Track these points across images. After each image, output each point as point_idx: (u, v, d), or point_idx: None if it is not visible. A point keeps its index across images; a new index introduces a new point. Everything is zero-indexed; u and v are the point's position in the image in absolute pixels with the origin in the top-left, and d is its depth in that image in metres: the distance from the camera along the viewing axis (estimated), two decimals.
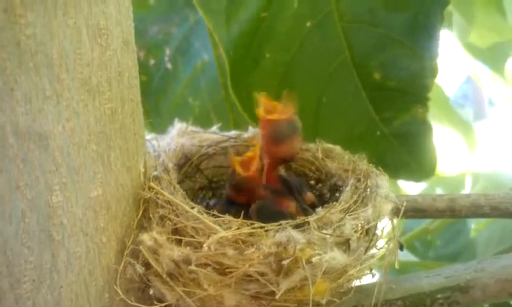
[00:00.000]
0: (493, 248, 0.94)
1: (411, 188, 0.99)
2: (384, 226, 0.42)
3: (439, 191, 1.10)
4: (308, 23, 0.55)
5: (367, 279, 0.44)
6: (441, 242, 0.98)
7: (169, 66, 0.73)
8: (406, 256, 0.89)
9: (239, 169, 0.45)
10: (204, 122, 0.59)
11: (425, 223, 0.86)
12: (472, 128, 1.14)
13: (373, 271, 0.42)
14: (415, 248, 0.96)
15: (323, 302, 0.38)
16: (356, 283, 0.42)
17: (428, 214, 0.50)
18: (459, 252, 0.95)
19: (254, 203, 0.44)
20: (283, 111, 0.44)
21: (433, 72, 0.54)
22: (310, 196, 0.46)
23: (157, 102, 0.73)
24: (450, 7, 0.56)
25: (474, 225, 1.02)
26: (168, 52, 0.72)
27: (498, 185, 1.07)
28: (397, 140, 0.58)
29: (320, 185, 0.51)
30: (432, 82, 0.54)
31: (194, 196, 0.54)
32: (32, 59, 0.33)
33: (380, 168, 0.45)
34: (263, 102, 0.44)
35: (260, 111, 0.44)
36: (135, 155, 0.41)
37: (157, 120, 0.71)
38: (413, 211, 0.49)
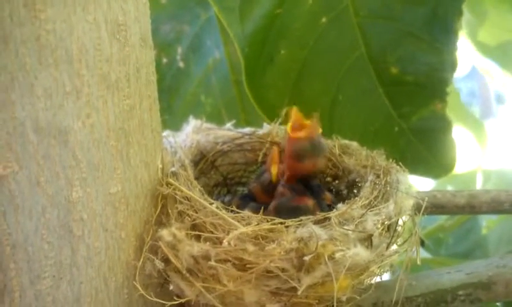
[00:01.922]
0: (504, 246, 0.93)
1: (422, 185, 0.98)
2: (405, 221, 0.41)
3: (450, 189, 1.10)
4: (324, 19, 0.55)
5: (386, 276, 0.43)
6: (452, 239, 0.97)
7: (181, 64, 0.73)
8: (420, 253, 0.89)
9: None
10: (215, 120, 0.59)
11: (438, 220, 0.85)
12: (482, 126, 1.13)
13: (393, 267, 0.42)
14: (427, 246, 0.95)
15: (344, 298, 0.38)
16: (376, 279, 0.42)
17: (447, 210, 0.49)
18: (471, 250, 0.95)
19: (274, 200, 0.45)
20: (309, 130, 0.45)
21: (452, 66, 0.53)
22: (328, 195, 0.46)
23: (170, 100, 0.73)
24: None
25: (485, 222, 1.02)
26: (179, 50, 0.72)
27: (510, 182, 1.06)
28: (416, 136, 0.57)
29: (337, 181, 0.51)
30: (451, 77, 0.54)
31: (209, 192, 0.54)
32: (52, 55, 0.33)
33: (400, 164, 0.45)
34: (293, 117, 0.45)
35: (288, 128, 0.45)
36: (153, 151, 0.41)
37: (170, 118, 0.71)
38: (431, 207, 0.48)
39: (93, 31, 0.35)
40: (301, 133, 0.45)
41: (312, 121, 0.45)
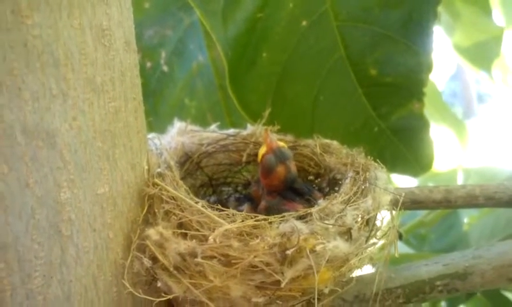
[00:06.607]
0: (485, 241, 0.95)
1: (404, 183, 1.00)
2: (384, 216, 0.43)
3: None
4: (304, 23, 0.56)
5: (367, 270, 0.45)
6: (435, 235, 0.99)
7: (165, 68, 0.73)
8: (402, 249, 0.91)
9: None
10: (201, 123, 0.60)
11: (419, 217, 0.87)
12: (463, 124, 1.16)
13: (373, 261, 0.43)
14: (410, 242, 0.97)
15: (326, 290, 0.39)
16: (357, 273, 0.43)
17: (425, 205, 0.51)
18: (453, 246, 0.97)
19: (263, 202, 0.46)
20: (266, 144, 0.47)
21: (428, 67, 0.55)
22: (319, 196, 0.47)
23: (155, 103, 0.74)
24: None
25: (467, 219, 1.04)
26: (163, 54, 0.73)
27: (490, 180, 1.09)
28: (395, 135, 0.59)
29: (319, 179, 0.53)
30: (428, 77, 0.55)
31: (195, 193, 0.55)
32: (39, 59, 0.34)
33: (378, 161, 0.46)
34: (266, 139, 0.47)
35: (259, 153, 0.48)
36: (138, 152, 0.42)
37: (155, 120, 0.72)
38: (410, 202, 0.50)
39: (78, 36, 0.36)
40: (262, 150, 0.47)
41: (265, 136, 0.47)
